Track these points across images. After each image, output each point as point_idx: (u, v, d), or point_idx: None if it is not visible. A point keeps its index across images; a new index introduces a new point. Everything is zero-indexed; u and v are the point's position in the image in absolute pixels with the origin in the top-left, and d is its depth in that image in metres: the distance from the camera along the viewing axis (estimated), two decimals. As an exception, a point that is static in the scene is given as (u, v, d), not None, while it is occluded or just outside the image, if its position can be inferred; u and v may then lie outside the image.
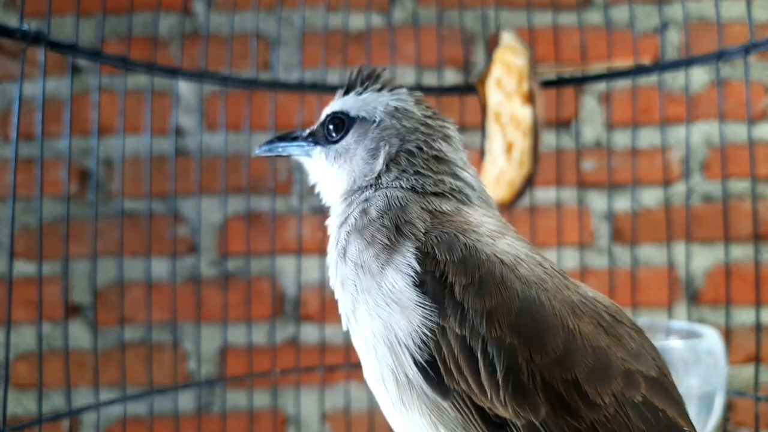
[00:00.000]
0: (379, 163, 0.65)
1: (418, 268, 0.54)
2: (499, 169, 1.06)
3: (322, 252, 1.17)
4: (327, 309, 1.32)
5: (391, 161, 0.65)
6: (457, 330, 0.52)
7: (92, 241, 1.00)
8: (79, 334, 1.42)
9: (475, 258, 0.53)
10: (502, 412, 0.51)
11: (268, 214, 1.38)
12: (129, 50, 0.97)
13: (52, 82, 1.37)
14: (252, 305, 1.16)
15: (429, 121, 0.67)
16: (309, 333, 1.42)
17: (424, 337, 0.52)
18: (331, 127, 0.70)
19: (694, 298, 1.42)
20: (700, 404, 0.85)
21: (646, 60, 1.14)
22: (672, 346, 0.86)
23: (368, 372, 0.58)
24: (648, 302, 1.32)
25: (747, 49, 0.93)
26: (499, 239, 0.57)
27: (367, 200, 0.63)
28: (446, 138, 0.66)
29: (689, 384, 0.83)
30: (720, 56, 0.97)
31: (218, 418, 1.27)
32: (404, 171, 0.64)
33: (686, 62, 1.03)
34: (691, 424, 0.54)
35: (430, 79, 1.34)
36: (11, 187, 0.79)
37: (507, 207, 1.06)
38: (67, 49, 0.88)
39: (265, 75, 1.38)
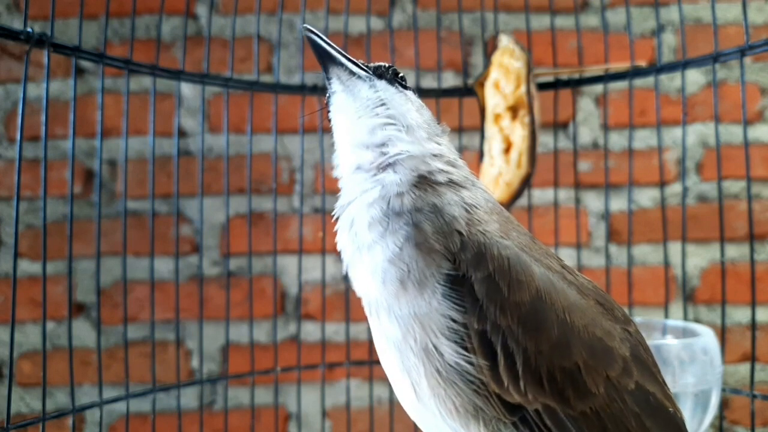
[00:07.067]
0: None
1: (448, 270, 0.57)
2: (497, 170, 1.07)
3: (322, 251, 1.19)
4: (328, 308, 1.33)
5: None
6: (476, 325, 0.54)
7: (96, 241, 1.02)
8: (83, 332, 1.43)
9: (496, 258, 0.56)
10: (516, 398, 0.54)
11: (270, 215, 1.39)
12: (132, 52, 0.98)
13: (56, 83, 1.39)
14: (254, 304, 1.17)
15: None
16: (310, 331, 1.43)
17: (453, 331, 0.55)
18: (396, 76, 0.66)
19: (689, 297, 1.43)
20: (696, 402, 0.86)
21: (642, 62, 1.16)
22: (668, 344, 0.86)
23: (395, 360, 0.59)
24: (644, 301, 1.34)
25: (743, 51, 0.94)
26: (510, 240, 0.60)
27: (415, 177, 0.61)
28: None
29: (685, 382, 0.84)
30: (716, 58, 0.98)
31: (221, 415, 1.29)
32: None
33: (682, 64, 1.04)
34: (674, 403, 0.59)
35: (429, 82, 1.36)
36: (16, 188, 0.80)
37: (505, 207, 1.07)
38: (71, 50, 0.88)
39: (266, 77, 1.39)
